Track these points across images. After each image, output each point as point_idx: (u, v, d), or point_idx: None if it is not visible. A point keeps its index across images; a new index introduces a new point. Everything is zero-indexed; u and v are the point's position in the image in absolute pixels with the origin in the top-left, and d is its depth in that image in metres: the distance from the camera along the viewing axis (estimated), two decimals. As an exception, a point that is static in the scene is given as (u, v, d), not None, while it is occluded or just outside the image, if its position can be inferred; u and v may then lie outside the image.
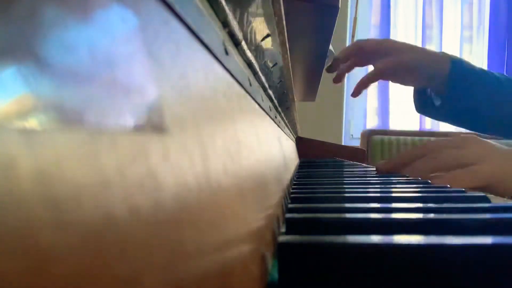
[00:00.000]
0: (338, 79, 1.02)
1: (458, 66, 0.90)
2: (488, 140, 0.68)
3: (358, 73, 2.63)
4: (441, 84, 0.90)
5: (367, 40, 1.00)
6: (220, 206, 0.16)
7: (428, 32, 2.61)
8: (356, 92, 0.99)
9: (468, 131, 1.06)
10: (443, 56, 0.92)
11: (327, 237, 0.22)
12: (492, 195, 0.42)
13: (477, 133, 1.05)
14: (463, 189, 0.44)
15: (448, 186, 0.50)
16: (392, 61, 0.91)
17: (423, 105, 1.00)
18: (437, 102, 0.96)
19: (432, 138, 2.02)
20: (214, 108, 0.20)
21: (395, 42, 0.96)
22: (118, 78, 0.10)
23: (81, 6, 0.09)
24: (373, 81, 0.98)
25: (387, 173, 0.72)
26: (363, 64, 1.01)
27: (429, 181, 0.55)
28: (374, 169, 0.80)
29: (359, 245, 0.21)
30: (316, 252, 0.21)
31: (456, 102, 0.90)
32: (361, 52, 0.96)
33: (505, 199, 0.48)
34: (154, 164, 0.11)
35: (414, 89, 1.03)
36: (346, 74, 1.04)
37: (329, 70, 1.00)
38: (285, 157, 0.63)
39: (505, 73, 2.62)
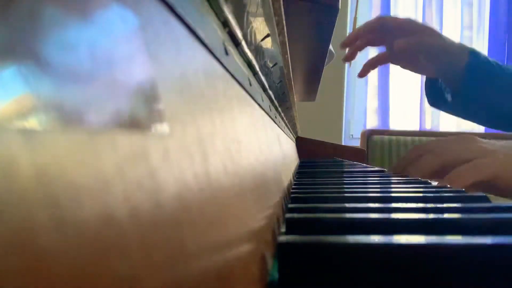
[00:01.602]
0: (350, 58, 0.96)
1: (475, 59, 0.85)
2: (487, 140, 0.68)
3: (359, 66, 2.62)
4: (456, 76, 0.86)
5: (391, 16, 0.93)
6: (220, 206, 0.16)
7: (428, 32, 2.61)
8: (363, 72, 0.94)
9: (480, 127, 1.01)
10: (461, 47, 0.87)
11: (327, 237, 0.22)
12: (492, 195, 0.42)
13: (490, 129, 1.01)
14: (463, 189, 0.44)
15: (448, 186, 0.50)
16: (414, 41, 0.84)
17: (435, 98, 0.96)
18: (449, 98, 0.92)
19: (432, 138, 2.02)
20: (214, 108, 0.20)
21: (419, 23, 0.89)
22: (118, 78, 0.10)
23: (81, 6, 0.09)
24: (383, 63, 0.93)
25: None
26: (379, 43, 0.94)
27: (434, 181, 0.55)
28: (374, 169, 0.80)
29: (359, 245, 0.21)
30: (316, 252, 0.21)
31: (472, 96, 0.86)
32: (383, 28, 0.90)
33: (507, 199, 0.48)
34: (154, 164, 0.11)
35: (425, 79, 0.98)
36: (349, 64, 1.00)
37: (343, 45, 0.95)
38: (285, 157, 0.63)
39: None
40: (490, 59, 0.88)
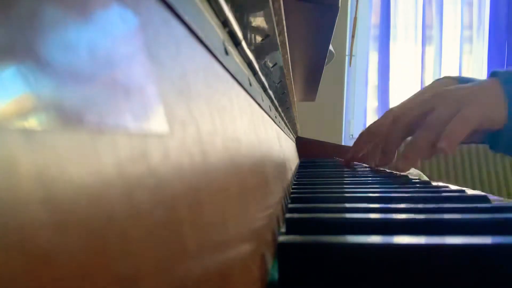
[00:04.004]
0: (349, 163, 0.89)
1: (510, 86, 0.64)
2: (449, 85, 0.65)
3: (359, 66, 2.63)
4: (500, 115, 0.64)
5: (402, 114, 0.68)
6: (221, 206, 0.16)
7: (428, 32, 2.61)
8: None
9: None
10: (492, 87, 0.63)
11: (327, 237, 0.22)
12: (491, 195, 0.42)
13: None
14: (463, 189, 0.44)
15: (448, 185, 0.50)
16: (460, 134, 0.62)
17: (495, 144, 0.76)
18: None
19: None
20: (214, 108, 0.20)
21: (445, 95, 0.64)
22: (118, 78, 0.10)
23: (81, 6, 0.09)
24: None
25: (352, 161, 0.78)
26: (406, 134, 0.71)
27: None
28: (374, 169, 0.80)
29: (359, 245, 0.21)
30: (316, 252, 0.21)
31: None
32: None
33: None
34: (153, 164, 0.11)
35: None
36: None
37: (346, 163, 0.89)
38: (285, 157, 0.63)
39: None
40: None
